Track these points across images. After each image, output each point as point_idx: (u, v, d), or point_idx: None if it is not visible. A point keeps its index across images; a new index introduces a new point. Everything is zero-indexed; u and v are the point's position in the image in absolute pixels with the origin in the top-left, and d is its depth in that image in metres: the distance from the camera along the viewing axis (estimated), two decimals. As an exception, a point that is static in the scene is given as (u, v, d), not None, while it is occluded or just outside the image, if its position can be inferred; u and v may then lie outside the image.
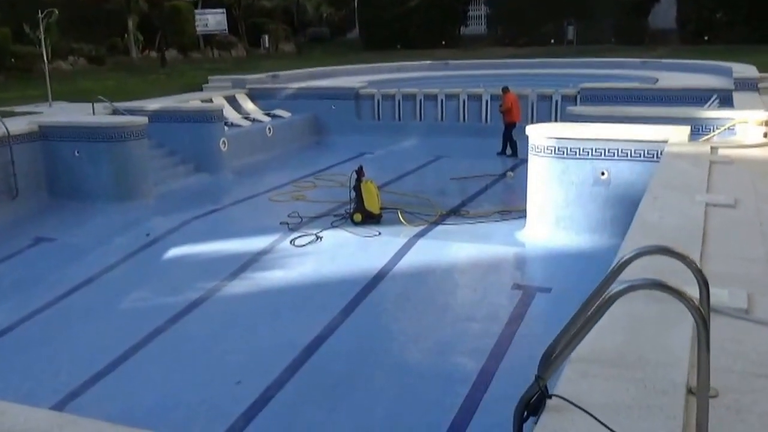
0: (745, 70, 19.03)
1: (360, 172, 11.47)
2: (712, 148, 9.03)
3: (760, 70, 18.87)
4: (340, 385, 6.87)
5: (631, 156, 9.64)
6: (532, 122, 18.69)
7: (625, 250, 4.59)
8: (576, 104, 17.99)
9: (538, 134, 10.27)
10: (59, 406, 6.67)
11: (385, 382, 6.96)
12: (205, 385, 6.97)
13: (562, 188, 10.03)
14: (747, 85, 17.18)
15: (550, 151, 10.06)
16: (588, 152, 9.85)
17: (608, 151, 9.75)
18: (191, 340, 7.99)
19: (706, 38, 40.05)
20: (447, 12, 45.78)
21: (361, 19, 49.28)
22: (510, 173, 15.38)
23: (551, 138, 10.05)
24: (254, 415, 6.41)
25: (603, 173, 9.78)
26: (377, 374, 7.11)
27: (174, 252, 10.72)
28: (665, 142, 9.36)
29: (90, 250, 11.02)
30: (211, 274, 9.61)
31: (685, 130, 9.78)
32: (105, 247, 11.09)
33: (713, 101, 16.58)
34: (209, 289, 9.16)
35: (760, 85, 17.26)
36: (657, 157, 9.44)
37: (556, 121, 17.67)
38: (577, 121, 11.51)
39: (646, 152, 9.56)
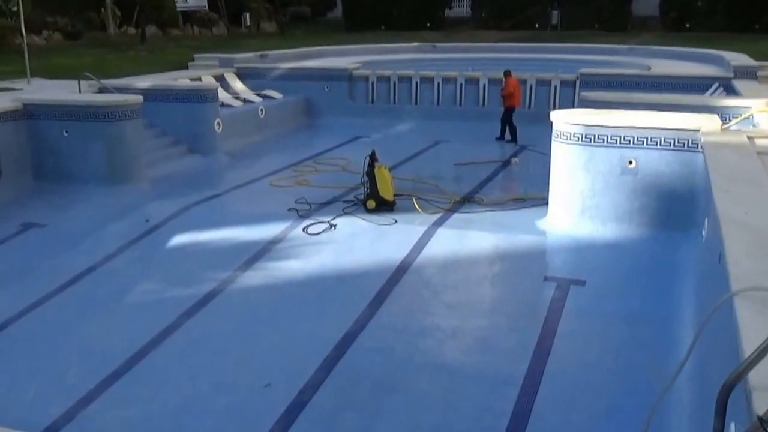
0: (737, 58, 18.87)
1: (373, 157, 10.96)
2: (748, 137, 8.70)
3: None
4: (380, 387, 6.37)
5: (660, 144, 9.26)
6: (530, 107, 18.37)
7: (735, 251, 4.20)
8: (575, 89, 17.70)
9: (564, 121, 9.81)
10: (72, 412, 6.08)
11: (428, 383, 6.47)
12: (232, 388, 6.42)
13: (588, 177, 9.62)
14: (746, 73, 17.04)
15: (576, 139, 9.63)
16: (616, 140, 9.44)
17: (637, 139, 9.36)
18: (209, 336, 7.41)
19: (687, 26, 40.24)
20: (431, -7, 45.24)
21: (343, -1, 48.44)
22: (515, 160, 14.97)
23: (577, 125, 9.62)
24: (290, 421, 5.88)
25: (631, 162, 9.39)
26: (418, 375, 6.61)
27: (178, 240, 10.06)
28: (697, 131, 9.01)
29: (85, 237, 10.27)
30: (222, 265, 8.99)
31: (715, 119, 9.46)
32: (101, 234, 10.36)
33: (715, 89, 16.37)
34: (222, 281, 8.56)
35: (759, 74, 17.11)
36: (688, 146, 9.11)
37: (555, 106, 17.31)
38: (590, 107, 11.13)
39: (676, 141, 9.20)
